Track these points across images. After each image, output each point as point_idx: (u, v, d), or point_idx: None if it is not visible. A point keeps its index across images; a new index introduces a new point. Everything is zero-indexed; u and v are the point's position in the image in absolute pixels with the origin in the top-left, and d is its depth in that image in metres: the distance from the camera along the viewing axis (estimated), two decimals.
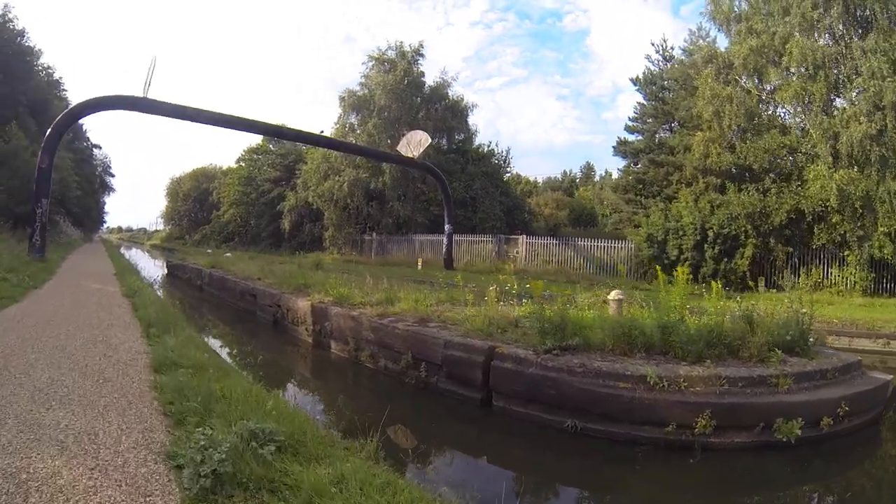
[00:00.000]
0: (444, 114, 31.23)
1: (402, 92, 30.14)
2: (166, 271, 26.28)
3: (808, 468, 4.87)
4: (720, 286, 6.81)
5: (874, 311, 12.29)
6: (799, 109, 17.31)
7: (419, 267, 23.58)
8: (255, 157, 49.12)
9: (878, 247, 14.88)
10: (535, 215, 38.12)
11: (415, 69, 31.11)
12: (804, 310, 6.29)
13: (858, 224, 15.30)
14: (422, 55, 31.36)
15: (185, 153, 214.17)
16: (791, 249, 16.52)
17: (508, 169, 36.67)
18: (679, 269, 6.42)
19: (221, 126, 20.33)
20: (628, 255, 19.55)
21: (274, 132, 21.53)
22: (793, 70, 16.62)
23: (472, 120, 34.66)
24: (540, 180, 53.11)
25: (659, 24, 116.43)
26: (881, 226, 14.84)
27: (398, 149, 23.28)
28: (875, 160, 14.82)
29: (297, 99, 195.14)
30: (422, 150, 21.81)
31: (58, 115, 18.41)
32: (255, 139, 48.07)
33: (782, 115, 19.00)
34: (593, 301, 8.16)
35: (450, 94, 32.53)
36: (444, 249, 23.54)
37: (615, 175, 54.61)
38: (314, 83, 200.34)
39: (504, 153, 35.56)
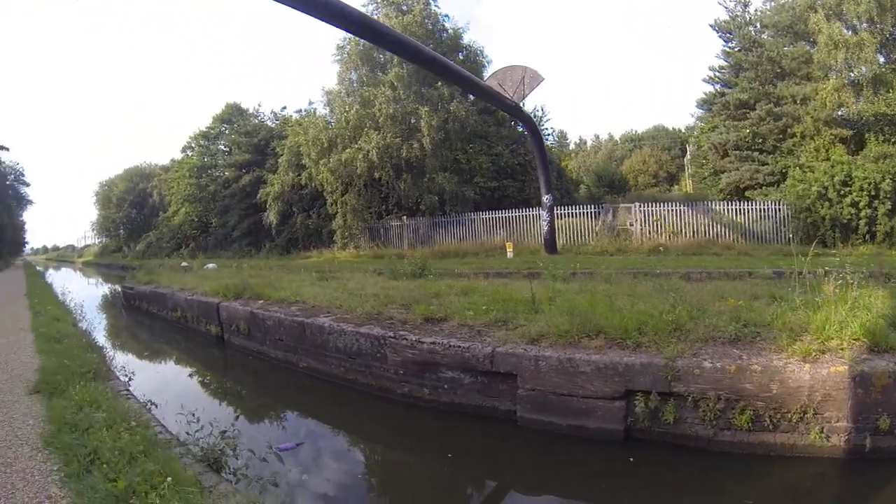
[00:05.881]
0: (467, 67, 24.27)
1: (421, 39, 23.40)
2: (123, 302, 17.46)
3: None
4: None
5: None
6: None
7: (510, 255, 17.26)
8: (204, 143, 39.99)
9: None
10: (574, 184, 33.66)
11: (432, 12, 24.66)
12: None
13: None
14: None
15: (110, 155, 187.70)
16: None
17: (547, 129, 30.27)
18: None
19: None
20: (778, 217, 16.29)
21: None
22: None
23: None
24: None
25: None
26: None
27: None
28: None
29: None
30: (530, 91, 15.84)
31: None
32: (204, 122, 38.87)
33: None
34: None
35: (465, 43, 26.25)
36: (544, 228, 17.81)
37: (581, 138, 49.65)
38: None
39: (539, 112, 28.59)
